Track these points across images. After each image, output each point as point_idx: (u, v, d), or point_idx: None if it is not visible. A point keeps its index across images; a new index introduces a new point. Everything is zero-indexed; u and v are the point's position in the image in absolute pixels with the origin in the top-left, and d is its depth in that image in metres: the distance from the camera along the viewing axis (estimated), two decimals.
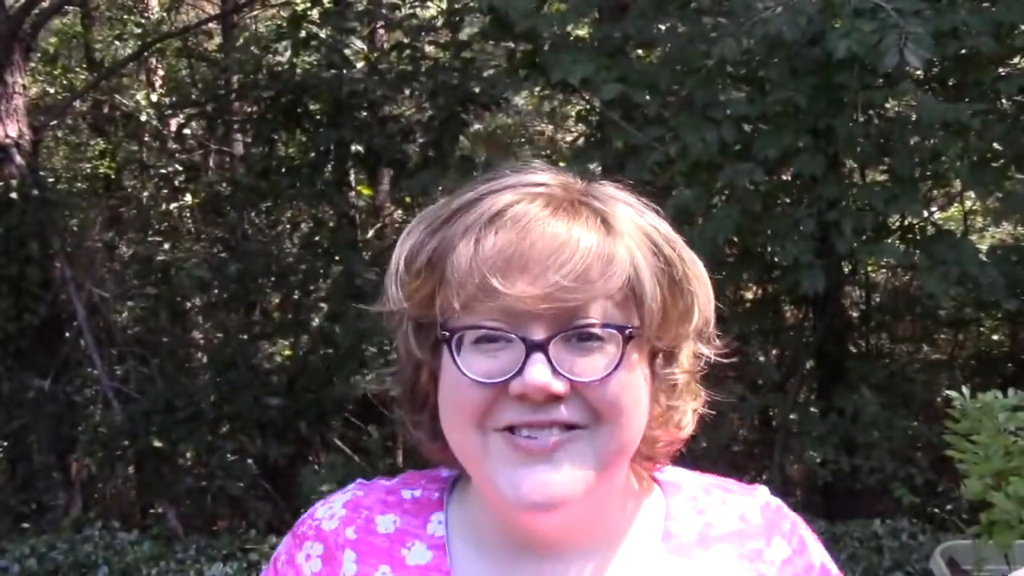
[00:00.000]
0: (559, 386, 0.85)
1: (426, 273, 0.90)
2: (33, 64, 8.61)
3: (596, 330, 0.86)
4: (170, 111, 8.59)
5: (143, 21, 9.20)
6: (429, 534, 0.97)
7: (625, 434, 0.89)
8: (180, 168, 8.71)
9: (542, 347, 0.85)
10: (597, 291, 0.86)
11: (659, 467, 1.01)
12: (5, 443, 6.89)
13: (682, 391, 0.95)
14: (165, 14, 9.62)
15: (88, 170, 9.43)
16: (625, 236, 0.88)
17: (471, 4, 6.77)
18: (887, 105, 5.41)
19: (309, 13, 6.91)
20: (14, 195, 6.60)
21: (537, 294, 0.84)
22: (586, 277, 0.85)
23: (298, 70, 6.91)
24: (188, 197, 8.60)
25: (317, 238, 7.45)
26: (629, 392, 0.88)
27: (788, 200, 5.48)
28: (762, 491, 1.02)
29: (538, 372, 0.84)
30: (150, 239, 8.48)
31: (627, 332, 0.87)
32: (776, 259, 5.43)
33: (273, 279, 7.68)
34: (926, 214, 5.57)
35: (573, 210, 0.89)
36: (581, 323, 0.86)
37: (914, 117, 4.82)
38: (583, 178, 0.95)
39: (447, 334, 0.88)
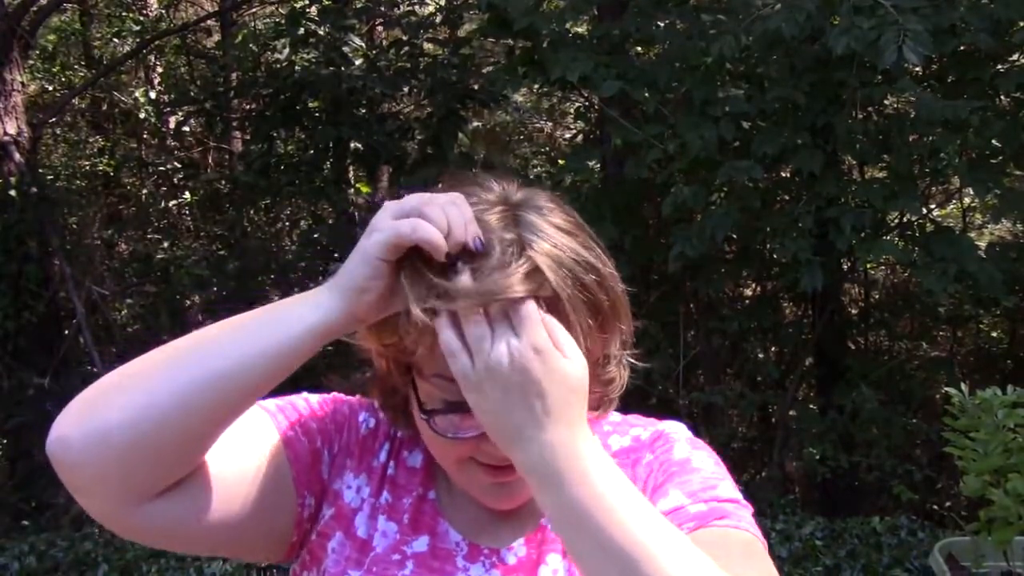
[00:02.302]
0: None
1: (387, 331, 0.99)
2: (32, 61, 8.62)
3: None
4: (169, 108, 8.59)
5: (142, 18, 9.20)
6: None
7: None
8: (179, 165, 8.72)
9: None
10: None
11: None
12: (4, 441, 6.89)
13: (613, 378, 1.07)
14: (164, 11, 9.62)
15: (87, 167, 9.43)
16: (563, 300, 0.94)
17: (470, 1, 6.77)
18: (886, 102, 5.41)
19: (308, 10, 6.90)
20: (13, 193, 6.59)
21: None
22: None
23: (297, 67, 6.89)
24: (187, 194, 8.60)
25: (316, 235, 7.44)
26: None
27: (787, 197, 5.49)
28: (668, 423, 1.15)
29: None
30: (149, 236, 8.49)
31: None
32: (775, 256, 5.43)
33: (272, 276, 7.68)
34: (925, 211, 5.57)
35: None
36: None
37: (913, 114, 4.82)
38: (517, 193, 1.03)
39: (425, 417, 1.00)
